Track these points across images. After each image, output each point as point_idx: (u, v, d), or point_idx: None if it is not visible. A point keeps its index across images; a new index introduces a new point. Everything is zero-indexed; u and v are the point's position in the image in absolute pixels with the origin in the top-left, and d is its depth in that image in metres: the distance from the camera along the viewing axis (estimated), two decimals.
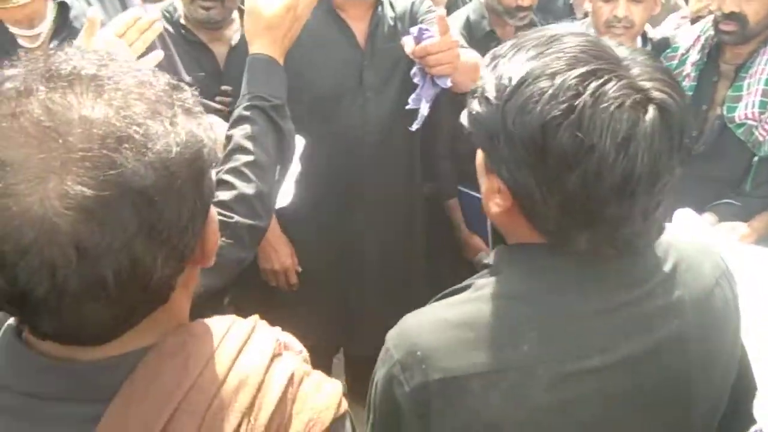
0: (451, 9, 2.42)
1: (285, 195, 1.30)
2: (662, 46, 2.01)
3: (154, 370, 0.58)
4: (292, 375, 0.61)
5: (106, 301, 0.53)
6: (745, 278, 1.28)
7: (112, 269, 0.51)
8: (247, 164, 1.05)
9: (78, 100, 0.52)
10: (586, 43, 0.70)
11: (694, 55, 1.88)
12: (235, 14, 1.89)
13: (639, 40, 2.00)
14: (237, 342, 0.62)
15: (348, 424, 0.65)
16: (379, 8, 1.83)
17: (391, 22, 1.84)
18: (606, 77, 0.67)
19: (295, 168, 1.32)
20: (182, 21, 1.82)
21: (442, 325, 0.74)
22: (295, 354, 0.66)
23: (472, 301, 0.75)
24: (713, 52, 1.86)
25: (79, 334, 0.56)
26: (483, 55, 2.14)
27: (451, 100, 1.74)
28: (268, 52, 1.14)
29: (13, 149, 0.49)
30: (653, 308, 0.75)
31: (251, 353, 0.62)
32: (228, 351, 0.61)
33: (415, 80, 1.63)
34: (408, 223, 1.99)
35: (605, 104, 0.66)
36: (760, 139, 1.77)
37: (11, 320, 0.60)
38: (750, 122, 1.76)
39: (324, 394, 0.63)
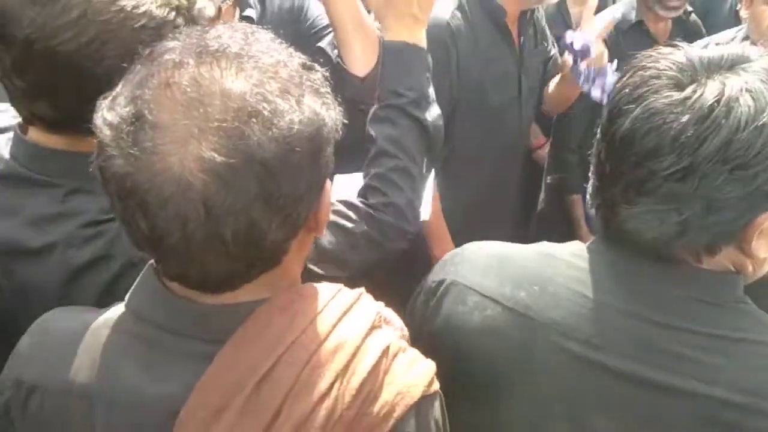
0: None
1: (424, 207, 1.30)
2: None
3: (265, 321, 0.63)
4: (388, 347, 0.64)
5: (225, 255, 0.59)
6: None
7: (232, 228, 0.57)
8: (393, 170, 0.99)
9: (221, 74, 0.58)
10: None
11: None
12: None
13: None
14: (341, 308, 0.66)
15: (437, 404, 0.67)
16: (528, 12, 1.80)
17: (536, 25, 1.85)
18: None
19: (430, 180, 1.31)
20: None
21: (493, 254, 0.82)
22: (395, 329, 0.69)
23: (532, 252, 0.81)
24: None
25: (202, 280, 0.62)
26: (632, 46, 2.10)
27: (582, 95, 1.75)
28: (397, 36, 1.03)
29: (164, 113, 0.56)
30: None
31: (352, 320, 0.65)
32: (331, 314, 0.65)
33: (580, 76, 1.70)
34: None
35: None
36: None
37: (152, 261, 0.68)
38: None
39: (416, 370, 0.65)
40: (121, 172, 0.57)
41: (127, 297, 0.68)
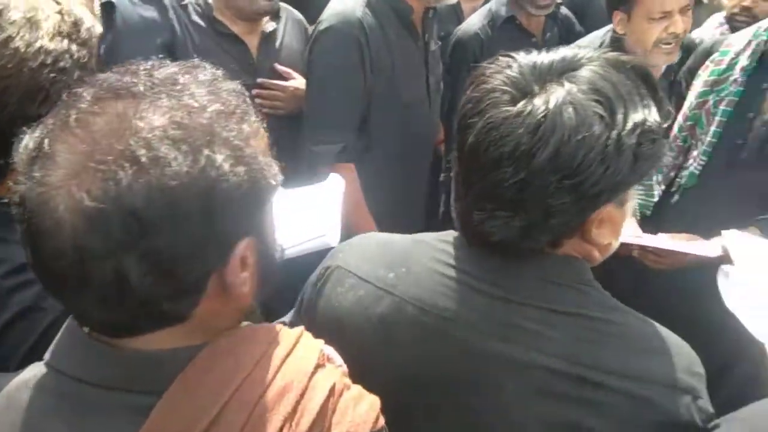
0: None
1: (332, 231, 1.29)
2: (691, 49, 1.95)
3: (206, 368, 0.60)
4: (334, 386, 0.63)
5: (102, 302, 0.57)
6: None
7: (99, 275, 0.55)
8: None
9: (119, 115, 0.56)
10: None
11: (743, 60, 1.80)
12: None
13: None
14: (284, 348, 0.64)
15: None
16: (431, 10, 1.87)
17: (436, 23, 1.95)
18: None
19: (339, 210, 1.33)
20: (215, 14, 1.81)
21: (376, 242, 0.89)
22: (337, 366, 0.68)
23: (408, 239, 0.88)
24: (765, 58, 1.79)
25: (102, 323, 0.60)
26: (507, 40, 2.23)
27: None
28: None
29: (59, 147, 0.56)
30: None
31: (296, 360, 0.63)
32: (275, 356, 0.63)
33: None
34: None
35: None
36: None
37: None
38: None
39: (363, 407, 0.64)
40: (18, 196, 0.57)
41: (48, 353, 0.64)
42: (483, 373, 0.76)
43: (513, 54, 0.79)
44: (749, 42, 1.81)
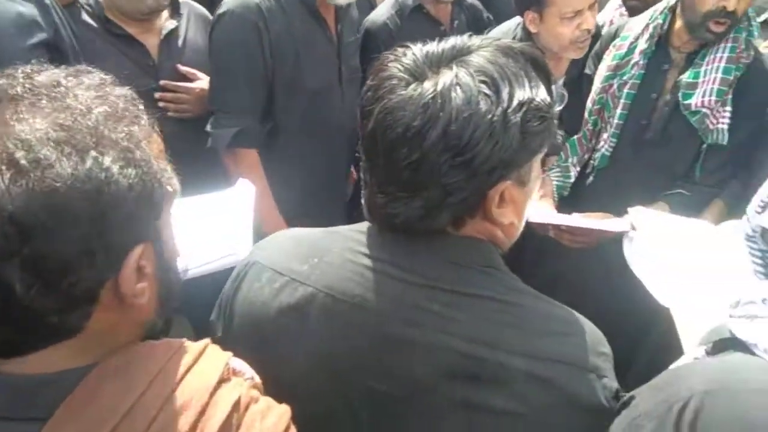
0: None
1: (242, 246, 1.24)
2: (597, 34, 2.01)
3: (94, 391, 0.57)
4: (239, 400, 0.61)
5: None
6: (722, 249, 1.35)
7: None
8: None
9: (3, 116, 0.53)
10: None
11: (642, 44, 1.87)
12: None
13: None
14: (184, 364, 0.61)
15: None
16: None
17: (353, 16, 1.96)
18: None
19: (248, 218, 1.28)
20: (106, 14, 1.70)
21: (292, 236, 0.91)
22: (245, 380, 0.65)
23: (322, 232, 0.89)
24: (662, 41, 1.86)
25: None
26: (416, 29, 2.27)
27: None
28: None
29: None
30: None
31: (197, 375, 0.61)
32: (173, 372, 0.60)
33: None
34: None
35: None
36: (711, 127, 1.78)
37: None
38: (704, 110, 1.77)
39: (270, 420, 0.63)
40: None
41: None
42: (394, 358, 0.77)
43: (410, 44, 0.82)
44: (647, 25, 1.88)
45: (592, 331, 0.80)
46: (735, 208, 1.81)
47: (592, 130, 2.00)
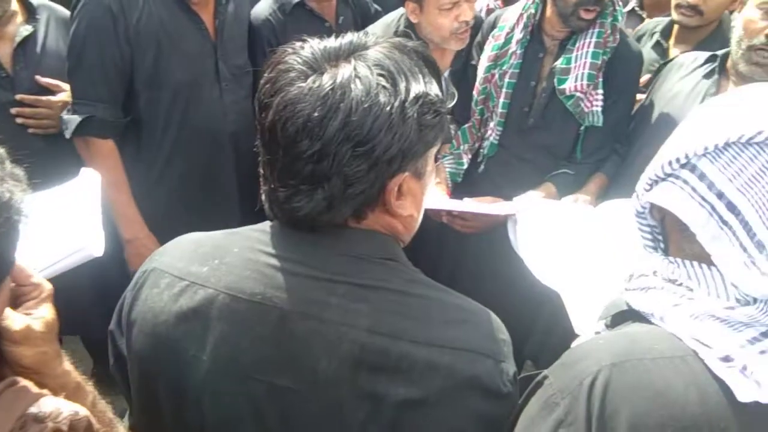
0: None
1: (95, 244, 1.13)
2: (477, 24, 2.06)
3: None
4: None
5: None
6: (605, 230, 1.42)
7: None
8: None
9: None
10: None
11: (518, 34, 1.94)
12: (16, 6, 1.63)
13: None
14: None
15: None
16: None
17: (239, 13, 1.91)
18: None
19: (96, 210, 1.17)
20: None
21: (191, 240, 0.89)
22: (53, 423, 0.63)
23: (222, 234, 0.88)
24: (536, 29, 1.94)
25: None
26: (301, 25, 2.24)
27: None
28: None
29: None
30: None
31: None
32: None
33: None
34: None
35: None
36: (586, 110, 1.88)
37: None
38: (578, 94, 1.86)
39: None
40: None
41: None
42: (297, 353, 0.77)
43: (308, 38, 0.82)
44: (521, 15, 1.95)
45: (490, 318, 0.82)
46: (615, 181, 1.93)
47: (479, 119, 2.06)
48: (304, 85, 0.76)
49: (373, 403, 0.75)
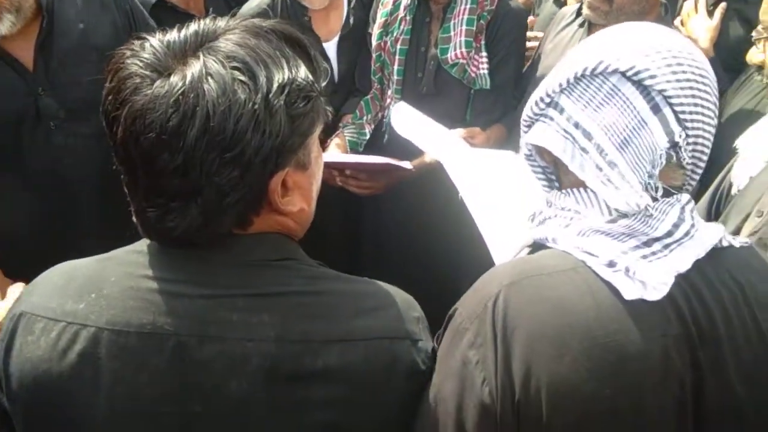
0: None
1: None
2: None
3: None
4: None
5: None
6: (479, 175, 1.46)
7: None
8: None
9: None
10: None
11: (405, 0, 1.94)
12: None
13: None
14: None
15: None
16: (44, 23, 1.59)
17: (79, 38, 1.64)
18: None
19: None
20: None
21: (61, 272, 0.80)
22: None
23: (93, 261, 0.79)
24: None
25: None
26: (167, 22, 2.11)
27: None
28: None
29: None
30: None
31: None
32: None
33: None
34: None
35: None
36: (473, 75, 1.88)
37: None
38: (461, 61, 1.87)
39: None
40: None
41: None
42: (204, 380, 0.72)
43: (146, 35, 0.74)
44: None
45: (401, 298, 0.80)
46: (515, 133, 1.98)
47: (380, 89, 2.06)
48: (150, 91, 0.68)
49: (296, 413, 0.72)
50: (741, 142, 1.34)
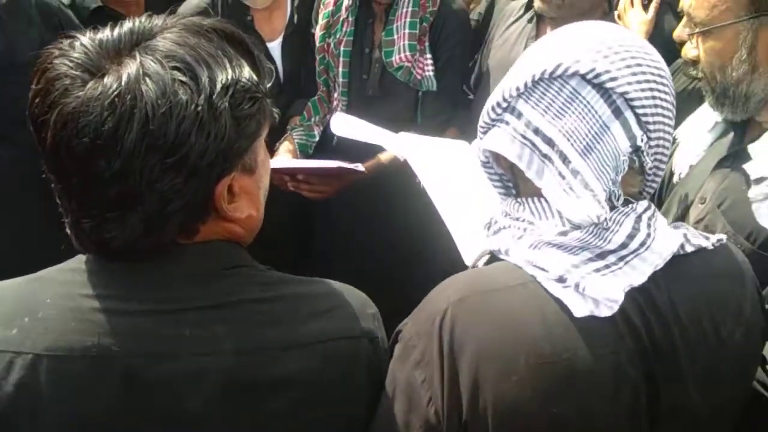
0: None
1: None
2: None
3: None
4: None
5: None
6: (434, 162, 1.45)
7: None
8: None
9: None
10: None
11: (347, 0, 1.92)
12: None
13: None
14: None
15: None
16: None
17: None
18: None
19: None
20: None
21: None
22: None
23: (22, 282, 0.74)
24: None
25: None
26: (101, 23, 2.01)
27: None
28: None
29: None
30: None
31: None
32: None
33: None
34: None
35: None
36: (419, 77, 1.88)
37: None
38: (406, 64, 1.86)
39: None
40: None
41: None
42: (158, 401, 0.68)
43: (76, 33, 0.70)
44: None
45: (355, 296, 0.79)
46: (467, 134, 1.98)
47: (326, 91, 2.03)
48: (82, 93, 0.64)
49: (258, 425, 0.70)
50: (680, 132, 1.37)
